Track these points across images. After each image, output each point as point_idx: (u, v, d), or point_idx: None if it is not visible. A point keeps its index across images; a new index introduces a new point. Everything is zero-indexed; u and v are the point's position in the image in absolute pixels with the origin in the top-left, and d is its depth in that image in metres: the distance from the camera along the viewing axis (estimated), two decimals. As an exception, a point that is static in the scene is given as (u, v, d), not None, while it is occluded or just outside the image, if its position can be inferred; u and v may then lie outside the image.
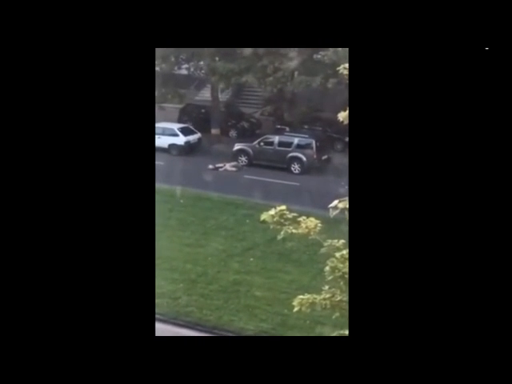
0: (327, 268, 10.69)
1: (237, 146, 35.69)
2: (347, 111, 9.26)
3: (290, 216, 10.67)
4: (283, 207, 10.69)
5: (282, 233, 10.66)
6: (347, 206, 9.36)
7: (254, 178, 32.77)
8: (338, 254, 10.52)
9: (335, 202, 10.12)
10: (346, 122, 9.40)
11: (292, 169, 33.94)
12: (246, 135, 38.71)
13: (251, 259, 23.81)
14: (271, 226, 10.66)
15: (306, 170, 33.59)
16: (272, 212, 10.62)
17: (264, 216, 10.66)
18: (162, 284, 21.71)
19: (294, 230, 10.64)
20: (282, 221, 10.63)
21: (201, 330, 19.73)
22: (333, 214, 10.17)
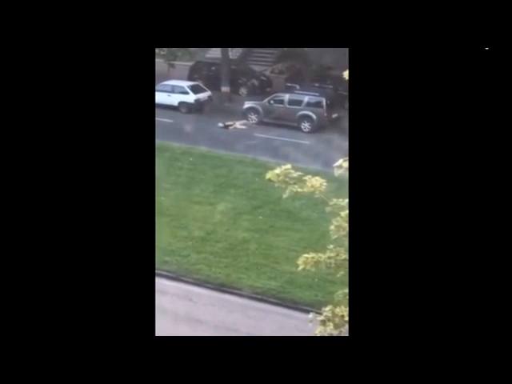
0: (332, 227, 10.73)
1: (247, 104, 35.60)
2: None
3: (295, 175, 10.65)
4: (288, 166, 10.67)
5: (287, 191, 10.68)
6: None
7: (264, 136, 32.75)
8: (342, 213, 10.55)
9: (340, 161, 10.06)
10: None
11: (302, 127, 33.87)
12: (256, 93, 38.53)
13: (260, 217, 23.91)
14: (276, 185, 10.68)
15: (316, 128, 33.50)
16: (277, 171, 10.60)
17: (269, 175, 10.65)
18: (171, 242, 21.92)
19: (299, 189, 10.64)
20: (288, 180, 10.63)
21: (210, 288, 19.93)
22: (337, 172, 10.14)
